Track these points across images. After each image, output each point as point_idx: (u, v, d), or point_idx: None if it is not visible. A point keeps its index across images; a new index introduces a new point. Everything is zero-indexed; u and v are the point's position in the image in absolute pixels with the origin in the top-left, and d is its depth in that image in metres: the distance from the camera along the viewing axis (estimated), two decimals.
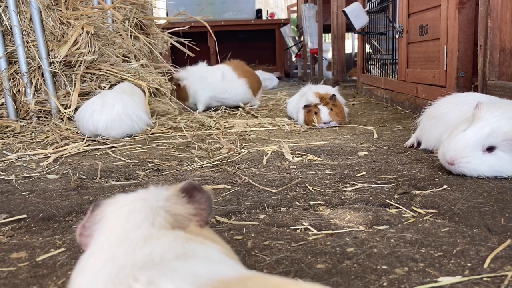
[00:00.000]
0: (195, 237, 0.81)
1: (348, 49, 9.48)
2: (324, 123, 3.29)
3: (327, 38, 11.21)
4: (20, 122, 3.62)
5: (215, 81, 4.54)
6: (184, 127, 3.43)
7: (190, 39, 4.78)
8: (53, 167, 2.34)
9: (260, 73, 8.07)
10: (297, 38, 10.68)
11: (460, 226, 1.32)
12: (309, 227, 1.37)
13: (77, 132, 3.23)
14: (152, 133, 3.22)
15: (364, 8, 5.49)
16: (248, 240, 1.30)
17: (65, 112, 3.48)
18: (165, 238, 0.76)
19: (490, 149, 1.74)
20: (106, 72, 3.77)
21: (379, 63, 5.37)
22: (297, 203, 1.61)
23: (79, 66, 3.67)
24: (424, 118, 2.40)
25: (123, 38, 4.10)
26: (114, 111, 3.05)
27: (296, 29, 11.44)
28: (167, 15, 7.80)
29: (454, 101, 2.25)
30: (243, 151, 2.53)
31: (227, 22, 10.62)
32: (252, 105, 4.78)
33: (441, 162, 1.91)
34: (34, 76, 3.68)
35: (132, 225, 0.79)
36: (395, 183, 1.78)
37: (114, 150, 2.72)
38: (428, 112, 2.38)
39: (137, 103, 3.31)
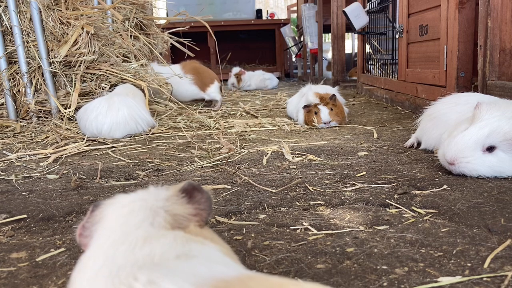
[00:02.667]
0: (195, 237, 0.81)
1: (348, 49, 9.47)
2: (324, 123, 3.29)
3: (327, 38, 11.21)
4: (20, 122, 3.62)
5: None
6: (184, 127, 3.43)
7: (190, 39, 4.79)
8: (53, 167, 2.34)
9: (260, 73, 8.10)
10: (297, 38, 10.68)
11: (460, 226, 1.32)
12: (309, 227, 1.37)
13: (77, 132, 3.23)
14: (152, 133, 3.22)
15: (364, 8, 5.49)
16: (248, 240, 1.30)
17: (65, 112, 3.48)
18: (164, 238, 0.76)
19: (490, 149, 1.74)
20: (106, 72, 3.76)
21: (379, 63, 5.37)
22: (297, 203, 1.61)
23: (79, 66, 3.67)
24: (424, 118, 2.40)
25: (123, 38, 4.10)
26: (120, 114, 3.05)
27: (296, 29, 11.44)
28: (167, 15, 7.81)
29: (454, 101, 2.25)
30: (243, 151, 2.53)
31: (227, 22, 10.62)
32: (210, 99, 4.93)
33: (441, 162, 1.91)
34: (34, 76, 3.68)
35: (132, 225, 0.79)
36: (395, 183, 1.78)
37: (114, 150, 2.72)
38: (428, 112, 2.38)
39: (141, 105, 3.32)
